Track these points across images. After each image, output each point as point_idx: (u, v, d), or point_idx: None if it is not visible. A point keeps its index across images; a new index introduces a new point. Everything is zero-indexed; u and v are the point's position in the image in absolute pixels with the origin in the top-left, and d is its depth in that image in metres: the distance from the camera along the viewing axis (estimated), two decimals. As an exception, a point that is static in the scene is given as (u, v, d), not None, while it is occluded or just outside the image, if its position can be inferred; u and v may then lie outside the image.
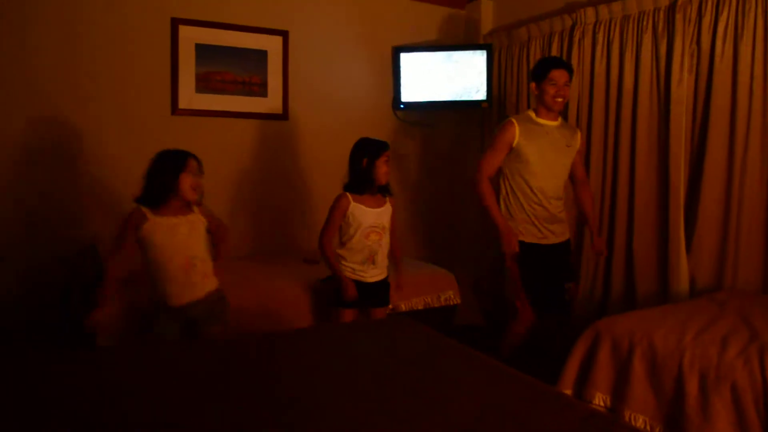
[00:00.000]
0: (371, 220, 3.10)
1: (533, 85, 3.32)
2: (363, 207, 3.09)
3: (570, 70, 3.30)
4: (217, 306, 2.85)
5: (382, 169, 3.11)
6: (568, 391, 2.64)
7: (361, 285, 3.11)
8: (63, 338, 3.66)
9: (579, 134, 3.44)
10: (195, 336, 2.78)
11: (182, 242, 2.74)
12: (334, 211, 3.09)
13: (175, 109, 4.19)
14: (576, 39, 4.12)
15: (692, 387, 2.29)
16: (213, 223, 2.88)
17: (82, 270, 3.57)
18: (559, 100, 3.25)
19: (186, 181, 2.69)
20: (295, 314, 3.49)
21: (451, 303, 4.01)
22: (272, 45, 4.50)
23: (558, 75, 3.23)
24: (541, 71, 3.28)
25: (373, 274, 3.16)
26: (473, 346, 2.19)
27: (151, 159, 2.71)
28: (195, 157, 2.75)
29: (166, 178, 2.67)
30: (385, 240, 3.17)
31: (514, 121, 3.30)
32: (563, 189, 3.42)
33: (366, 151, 3.12)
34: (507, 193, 3.36)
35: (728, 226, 3.35)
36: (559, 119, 3.37)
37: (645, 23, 3.70)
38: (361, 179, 3.10)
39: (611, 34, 3.91)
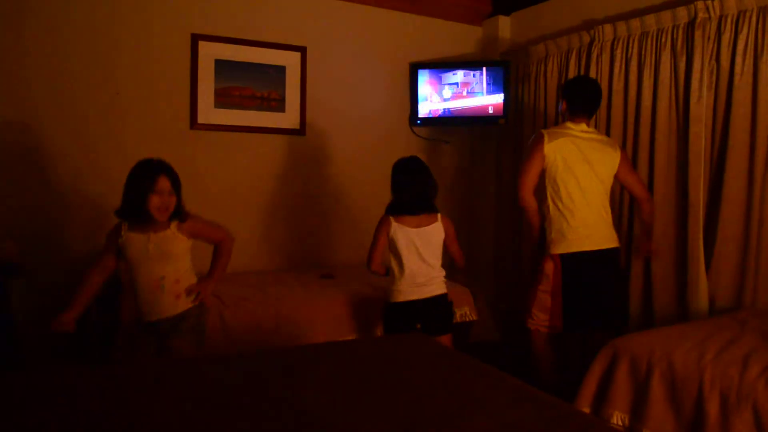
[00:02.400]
0: None
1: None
2: None
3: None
4: (184, 322, 2.75)
5: None
6: (586, 409, 2.61)
7: None
8: (79, 351, 3.68)
9: None
10: (162, 350, 2.74)
11: (150, 261, 2.68)
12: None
13: (193, 123, 4.23)
14: (594, 56, 4.11)
15: (713, 407, 2.25)
16: (206, 237, 2.84)
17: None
18: None
19: (153, 202, 2.60)
20: (312, 330, 3.49)
21: (468, 319, 3.98)
22: (291, 61, 4.54)
23: None
24: None
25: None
26: (490, 363, 2.18)
27: (131, 168, 2.68)
28: (168, 173, 2.66)
29: (135, 195, 2.61)
30: None
31: None
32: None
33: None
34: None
35: (748, 244, 3.31)
36: None
37: (664, 40, 3.70)
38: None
39: (629, 50, 3.90)
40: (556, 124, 3.51)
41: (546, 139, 3.28)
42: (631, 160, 3.91)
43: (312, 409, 1.74)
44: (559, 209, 3.29)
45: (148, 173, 2.63)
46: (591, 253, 3.30)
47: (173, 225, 2.70)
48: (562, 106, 3.44)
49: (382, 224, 3.11)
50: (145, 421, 1.64)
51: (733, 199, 3.37)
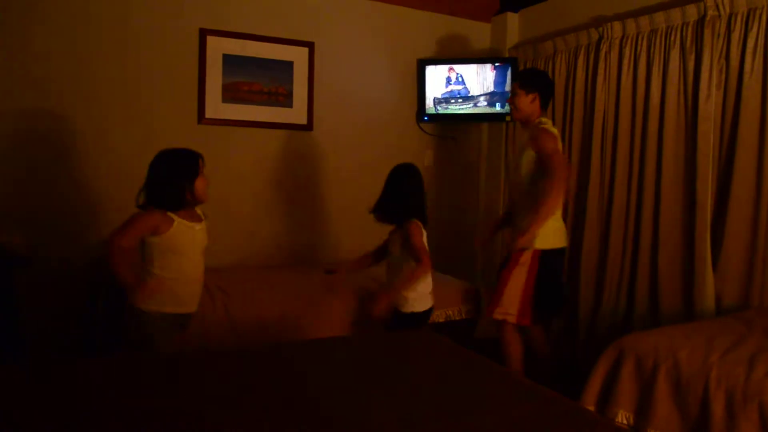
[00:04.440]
0: None
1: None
2: None
3: (517, 80, 3.48)
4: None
5: None
6: (591, 408, 2.61)
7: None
8: (86, 343, 3.70)
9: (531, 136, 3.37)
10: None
11: (198, 252, 2.72)
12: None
13: (201, 118, 4.23)
14: (602, 53, 4.10)
15: (718, 407, 2.25)
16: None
17: (108, 275, 3.61)
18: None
19: (201, 185, 2.66)
20: (316, 325, 3.49)
21: (473, 316, 3.98)
22: (298, 56, 4.54)
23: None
24: None
25: None
26: (494, 360, 2.18)
27: (160, 160, 2.63)
28: (202, 157, 2.72)
29: (183, 181, 2.61)
30: None
31: None
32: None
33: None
34: None
35: (756, 243, 3.30)
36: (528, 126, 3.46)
37: (673, 38, 3.68)
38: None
39: (638, 48, 3.89)
40: (538, 119, 3.43)
41: (555, 133, 3.31)
42: (638, 158, 3.92)
43: (318, 403, 1.75)
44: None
45: (191, 157, 2.65)
46: (562, 250, 3.44)
47: (203, 216, 2.76)
48: (534, 99, 3.38)
49: (420, 229, 3.10)
50: (150, 416, 1.65)
51: (741, 198, 3.36)
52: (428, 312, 3.20)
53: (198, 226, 2.70)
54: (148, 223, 2.56)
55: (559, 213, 3.35)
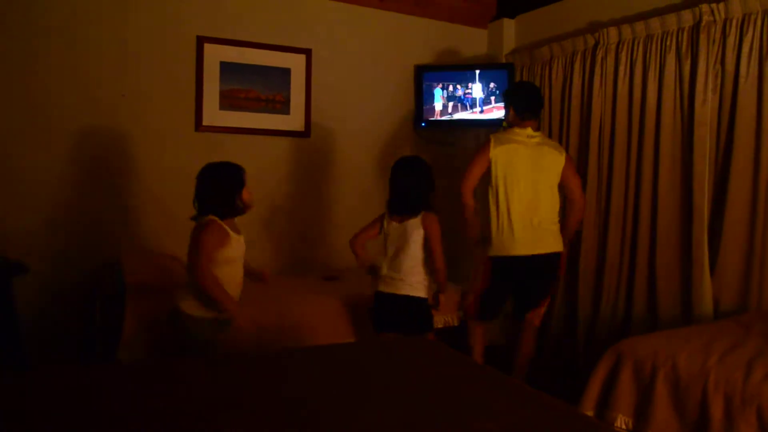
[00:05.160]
0: None
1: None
2: None
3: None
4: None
5: None
6: (590, 413, 2.61)
7: None
8: (86, 350, 3.70)
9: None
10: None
11: (241, 259, 2.87)
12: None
13: (198, 125, 4.24)
14: (599, 58, 4.11)
15: (717, 411, 2.25)
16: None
17: (105, 283, 3.61)
18: None
19: (246, 195, 2.83)
20: (316, 332, 3.49)
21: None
22: (295, 63, 4.55)
23: None
24: None
25: None
26: (494, 366, 2.18)
27: (211, 173, 2.78)
28: (244, 169, 2.87)
29: (234, 190, 2.78)
30: None
31: None
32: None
33: None
34: None
35: (753, 247, 3.31)
36: None
37: (668, 43, 3.69)
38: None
39: (634, 53, 3.90)
40: (505, 129, 3.62)
41: (492, 144, 3.44)
42: (634, 162, 3.92)
43: (316, 410, 1.75)
44: (498, 213, 3.45)
45: (238, 169, 2.83)
46: (522, 258, 3.41)
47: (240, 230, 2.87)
48: (510, 113, 3.54)
49: (379, 217, 3.23)
50: (150, 417, 1.65)
51: (737, 202, 3.36)
52: (381, 295, 3.22)
53: (241, 238, 2.86)
54: (213, 237, 2.70)
55: (513, 224, 3.41)
